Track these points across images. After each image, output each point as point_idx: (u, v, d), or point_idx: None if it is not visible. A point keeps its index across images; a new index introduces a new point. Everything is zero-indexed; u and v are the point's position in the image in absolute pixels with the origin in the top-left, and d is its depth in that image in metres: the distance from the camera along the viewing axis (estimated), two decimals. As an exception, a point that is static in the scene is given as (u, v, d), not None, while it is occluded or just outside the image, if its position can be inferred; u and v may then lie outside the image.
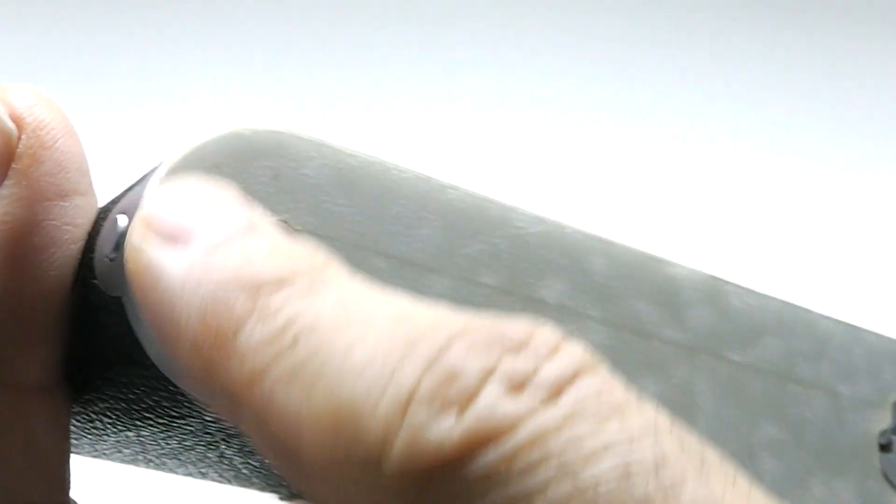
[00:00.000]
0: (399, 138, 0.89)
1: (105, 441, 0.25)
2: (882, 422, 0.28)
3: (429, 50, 0.94)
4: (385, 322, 0.17)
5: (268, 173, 0.21)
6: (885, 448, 0.28)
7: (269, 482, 0.27)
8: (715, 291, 0.26)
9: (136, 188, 0.21)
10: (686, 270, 0.26)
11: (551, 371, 0.16)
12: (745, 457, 0.26)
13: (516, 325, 0.17)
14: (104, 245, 0.21)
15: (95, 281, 0.21)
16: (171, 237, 0.18)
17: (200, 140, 0.21)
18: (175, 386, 0.20)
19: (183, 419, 0.22)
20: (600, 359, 0.17)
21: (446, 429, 0.15)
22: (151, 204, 0.19)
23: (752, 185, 0.95)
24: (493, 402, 0.16)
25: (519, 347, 0.16)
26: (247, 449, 0.24)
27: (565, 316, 0.24)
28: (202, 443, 0.24)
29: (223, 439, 0.23)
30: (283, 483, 0.27)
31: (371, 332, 0.17)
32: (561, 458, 0.15)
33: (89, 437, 0.25)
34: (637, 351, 0.25)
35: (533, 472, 0.15)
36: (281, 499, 0.29)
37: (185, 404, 0.21)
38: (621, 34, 0.98)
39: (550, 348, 0.17)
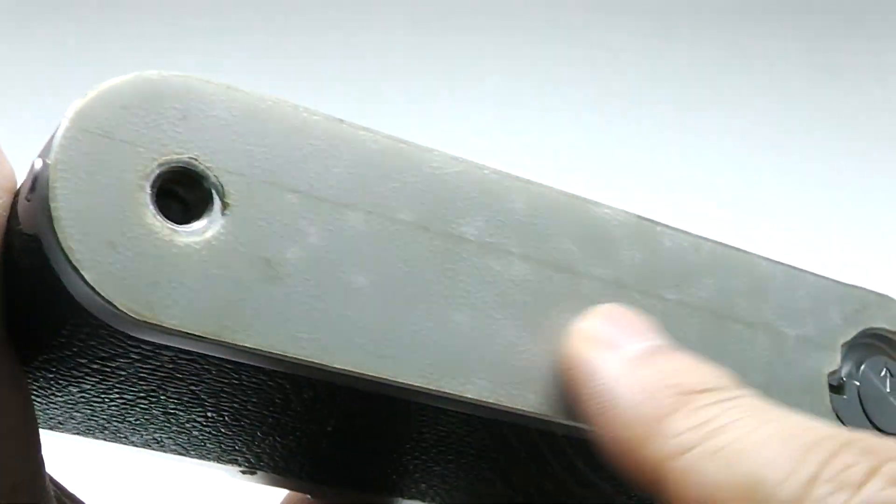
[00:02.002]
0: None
1: (55, 403, 0.26)
2: (831, 363, 0.28)
3: (428, 46, 0.95)
4: (789, 429, 0.22)
5: (175, 114, 0.22)
6: (836, 389, 0.28)
7: (223, 447, 0.28)
8: (644, 231, 0.27)
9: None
10: (613, 211, 0.26)
11: None
12: None
13: (890, 441, 0.22)
14: (24, 189, 0.22)
15: (19, 226, 0.22)
16: (608, 344, 0.24)
17: (108, 83, 0.22)
18: (96, 319, 0.21)
19: (113, 361, 0.23)
20: None
21: (844, 499, 0.20)
22: (595, 319, 0.25)
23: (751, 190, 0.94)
24: (880, 490, 0.20)
25: (893, 458, 0.21)
26: (186, 398, 0.25)
27: (487, 252, 0.24)
28: (142, 394, 0.24)
29: (159, 386, 0.24)
30: (238, 449, 0.28)
31: (778, 434, 0.22)
32: None
33: (39, 400, 0.26)
34: (563, 287, 0.25)
35: None
36: (241, 472, 0.30)
37: (110, 339, 0.22)
38: (620, 33, 0.98)
39: None
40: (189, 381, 0.23)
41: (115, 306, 0.21)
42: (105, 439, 0.28)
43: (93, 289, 0.20)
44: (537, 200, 0.25)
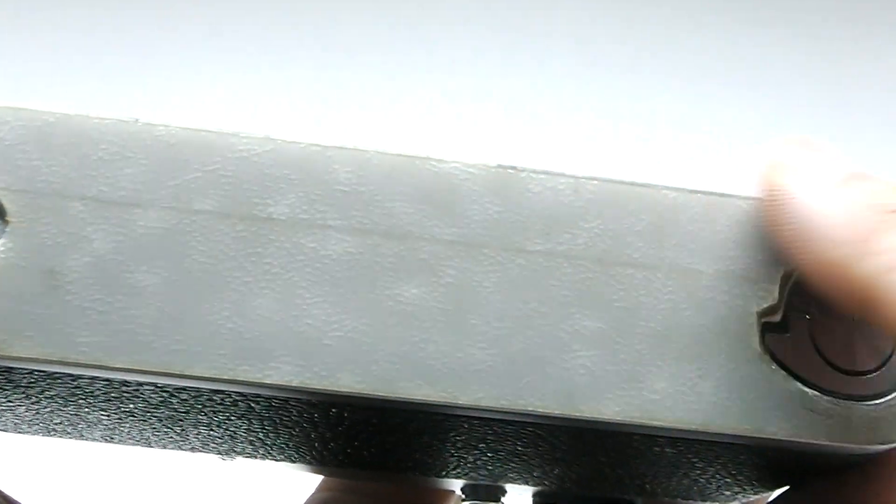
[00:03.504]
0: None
1: None
2: (765, 298, 0.25)
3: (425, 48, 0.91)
4: None
5: None
6: (776, 327, 0.25)
7: (163, 440, 0.29)
8: (503, 181, 0.24)
9: None
10: (464, 164, 0.24)
11: None
12: (554, 351, 0.24)
13: None
14: None
15: None
16: (804, 170, 0.24)
17: None
18: None
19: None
20: None
21: None
22: (786, 148, 0.25)
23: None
24: None
25: None
26: (63, 400, 0.26)
27: (299, 230, 0.24)
28: (31, 401, 0.26)
29: (39, 393, 0.25)
30: (176, 440, 0.29)
31: None
32: None
33: None
34: (393, 255, 0.24)
35: None
36: (220, 458, 0.31)
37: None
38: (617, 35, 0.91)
39: None
40: (38, 388, 0.25)
41: None
42: (71, 438, 0.30)
43: None
44: (365, 167, 0.24)
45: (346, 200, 0.24)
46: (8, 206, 0.23)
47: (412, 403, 0.23)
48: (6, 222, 0.23)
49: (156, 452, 0.31)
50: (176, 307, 0.23)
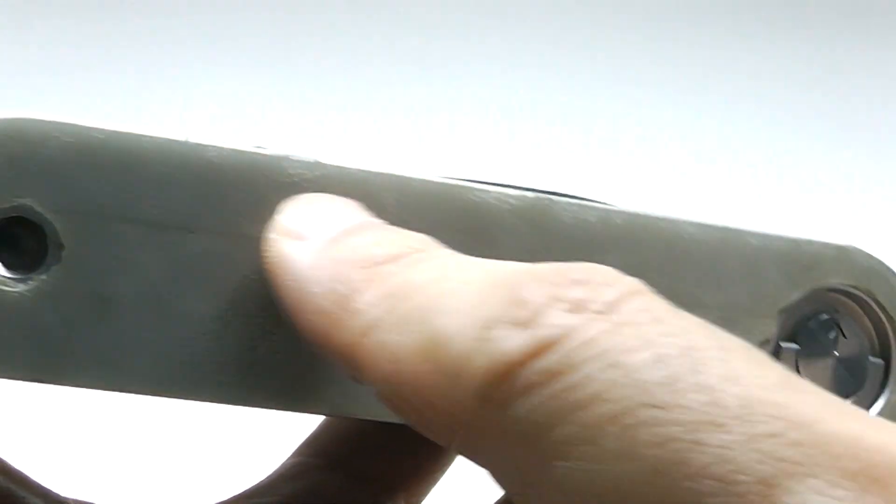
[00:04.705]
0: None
1: None
2: (764, 331, 0.27)
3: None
4: (475, 275, 0.21)
5: (3, 161, 0.22)
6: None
7: None
8: (537, 210, 0.25)
9: None
10: (502, 192, 0.25)
11: (607, 295, 0.19)
12: None
13: (579, 266, 0.20)
14: None
15: None
16: (298, 234, 0.23)
17: None
18: None
19: None
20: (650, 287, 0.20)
21: (515, 340, 0.19)
22: (282, 213, 0.23)
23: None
24: (554, 319, 0.19)
25: (582, 282, 0.20)
26: None
27: None
28: None
29: None
30: None
31: (464, 284, 0.20)
32: (607, 354, 0.18)
33: None
34: None
35: (583, 367, 0.18)
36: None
37: None
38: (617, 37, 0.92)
39: (608, 281, 0.20)
40: None
41: None
42: None
43: None
44: (411, 195, 0.25)
45: None
46: (61, 230, 0.23)
47: None
48: (60, 246, 0.23)
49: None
50: (227, 337, 0.23)
